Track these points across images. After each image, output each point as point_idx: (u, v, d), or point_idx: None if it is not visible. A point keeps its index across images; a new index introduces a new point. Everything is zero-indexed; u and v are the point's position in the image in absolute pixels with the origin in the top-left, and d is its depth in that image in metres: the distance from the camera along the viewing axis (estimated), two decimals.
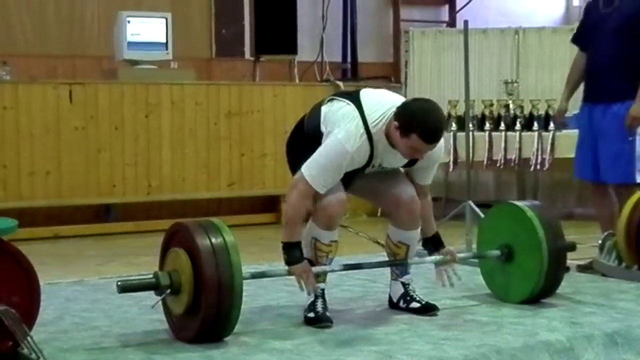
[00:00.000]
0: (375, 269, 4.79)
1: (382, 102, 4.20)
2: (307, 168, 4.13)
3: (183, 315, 3.96)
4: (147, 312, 4.33)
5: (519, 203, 4.81)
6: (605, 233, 5.58)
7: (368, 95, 4.26)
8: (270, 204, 8.70)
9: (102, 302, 4.87)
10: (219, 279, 3.81)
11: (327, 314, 4.26)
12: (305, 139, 4.32)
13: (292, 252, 4.20)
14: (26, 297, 3.76)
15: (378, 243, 5.80)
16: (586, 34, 5.80)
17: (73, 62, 9.26)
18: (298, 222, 4.17)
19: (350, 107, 4.18)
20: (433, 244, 4.59)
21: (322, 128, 4.22)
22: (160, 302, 4.03)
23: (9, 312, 3.60)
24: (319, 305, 4.27)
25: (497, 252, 4.71)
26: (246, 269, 4.11)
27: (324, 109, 4.27)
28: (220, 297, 3.82)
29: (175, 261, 3.97)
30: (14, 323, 3.61)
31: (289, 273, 4.24)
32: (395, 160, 4.28)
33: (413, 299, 4.52)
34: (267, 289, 5.05)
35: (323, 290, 4.33)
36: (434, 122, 4.04)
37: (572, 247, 4.75)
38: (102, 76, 8.80)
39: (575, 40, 5.97)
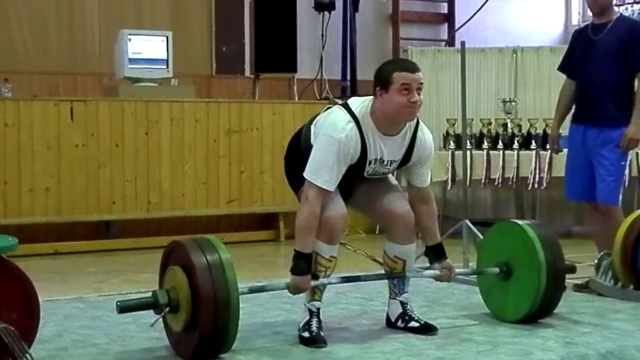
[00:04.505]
0: (372, 288, 4.81)
1: (364, 98, 4.39)
2: (308, 171, 4.21)
3: (182, 331, 4.00)
4: (146, 330, 4.35)
5: (520, 222, 4.84)
6: (602, 253, 5.61)
7: (354, 97, 4.48)
8: (269, 221, 8.73)
9: (101, 319, 4.89)
10: (215, 295, 3.86)
11: (322, 333, 4.28)
12: (302, 157, 4.36)
13: (300, 262, 4.22)
14: (25, 314, 3.79)
15: (376, 261, 5.80)
16: (574, 62, 5.84)
17: (74, 79, 9.33)
18: (310, 231, 4.20)
19: (334, 107, 4.39)
20: (435, 253, 4.59)
21: (313, 141, 4.33)
22: (160, 320, 4.07)
23: (8, 330, 3.63)
24: (314, 325, 4.30)
25: (495, 270, 4.73)
26: (244, 285, 4.14)
27: (312, 127, 4.39)
28: (217, 313, 3.86)
29: (173, 279, 4.01)
30: (13, 340, 3.63)
31: (287, 287, 4.26)
32: (392, 150, 4.32)
33: (412, 319, 4.54)
34: (265, 306, 5.08)
35: (319, 309, 4.36)
36: (402, 58, 4.23)
37: (571, 269, 4.77)
38: (103, 93, 8.86)
39: (563, 68, 6.02)
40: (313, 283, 4.28)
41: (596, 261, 5.61)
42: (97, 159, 8.08)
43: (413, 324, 4.51)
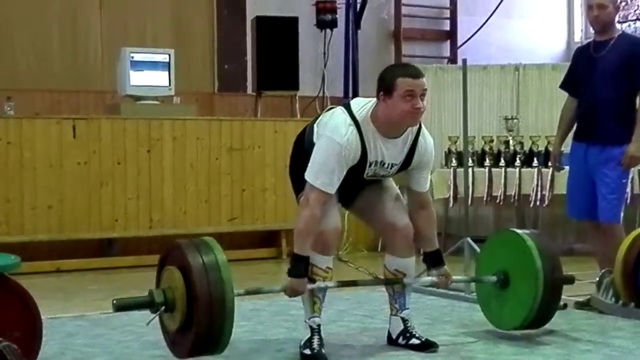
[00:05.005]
0: (373, 305, 4.81)
1: (366, 99, 4.39)
2: (309, 173, 4.23)
3: (177, 331, 4.03)
4: (148, 348, 4.36)
5: (519, 231, 4.87)
6: (603, 270, 5.61)
7: (357, 98, 4.50)
8: (271, 239, 8.73)
9: (103, 337, 4.90)
10: (210, 295, 3.89)
11: (323, 351, 4.30)
12: (305, 157, 4.37)
13: (297, 265, 4.25)
14: (28, 332, 3.80)
15: (377, 278, 5.83)
16: (576, 79, 5.85)
17: (77, 97, 9.36)
18: (309, 234, 4.22)
19: (337, 108, 4.39)
20: (432, 260, 4.60)
21: (315, 139, 4.34)
22: (157, 320, 4.09)
23: (10, 348, 3.63)
24: (315, 342, 4.31)
25: (493, 278, 4.75)
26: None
27: (315, 126, 4.41)
28: (212, 313, 3.88)
29: (169, 279, 4.05)
30: (16, 358, 3.64)
31: (284, 289, 4.28)
32: (393, 153, 4.33)
33: (413, 336, 4.55)
34: (266, 324, 5.09)
35: (319, 326, 4.37)
36: (406, 64, 4.17)
37: (570, 280, 4.77)
38: (105, 111, 8.88)
39: (565, 86, 6.03)
40: (309, 286, 4.30)
41: (597, 279, 5.62)
42: (99, 177, 8.09)
43: (414, 341, 4.52)
